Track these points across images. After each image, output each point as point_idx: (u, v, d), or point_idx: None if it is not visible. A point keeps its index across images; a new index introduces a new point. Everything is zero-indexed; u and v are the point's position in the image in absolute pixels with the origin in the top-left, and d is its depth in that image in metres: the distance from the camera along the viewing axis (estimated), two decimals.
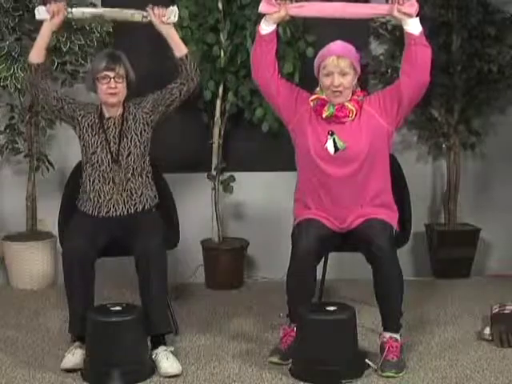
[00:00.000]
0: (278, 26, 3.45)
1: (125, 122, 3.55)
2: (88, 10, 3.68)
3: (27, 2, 4.38)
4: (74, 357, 3.31)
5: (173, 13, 3.53)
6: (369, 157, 3.38)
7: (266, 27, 3.39)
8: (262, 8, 3.40)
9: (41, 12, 3.51)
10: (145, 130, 3.59)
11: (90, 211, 3.56)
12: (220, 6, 4.40)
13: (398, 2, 3.28)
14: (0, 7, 4.35)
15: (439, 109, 4.79)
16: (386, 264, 3.27)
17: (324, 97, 3.39)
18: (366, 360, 3.29)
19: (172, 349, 3.39)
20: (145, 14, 3.54)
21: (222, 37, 4.43)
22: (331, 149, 3.38)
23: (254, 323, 3.93)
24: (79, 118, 3.58)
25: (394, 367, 3.24)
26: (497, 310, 3.71)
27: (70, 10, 3.54)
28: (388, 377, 3.21)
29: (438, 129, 4.81)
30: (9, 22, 4.36)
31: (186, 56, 3.60)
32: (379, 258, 3.26)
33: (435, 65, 4.68)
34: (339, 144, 3.37)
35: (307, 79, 4.51)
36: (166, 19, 3.53)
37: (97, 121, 3.56)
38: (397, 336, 3.35)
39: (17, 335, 3.77)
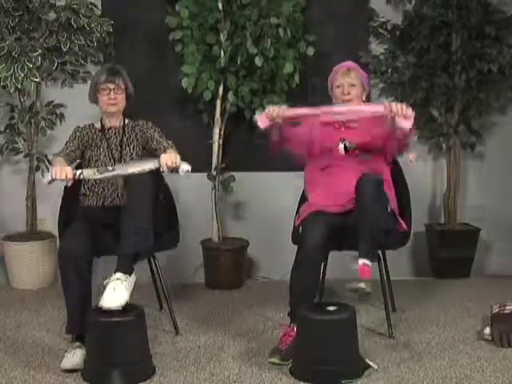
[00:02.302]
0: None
1: (126, 133, 3.70)
2: (99, 176, 3.37)
3: (27, 2, 4.38)
4: (74, 357, 3.31)
5: (184, 170, 3.38)
6: (374, 158, 3.62)
7: (274, 131, 3.60)
8: (260, 125, 3.54)
9: (46, 177, 3.39)
10: (146, 142, 3.70)
11: (95, 203, 3.63)
12: (220, 6, 4.40)
13: (396, 111, 3.32)
14: (0, 7, 4.35)
15: (439, 109, 4.79)
16: (369, 196, 3.34)
17: None
18: (366, 360, 3.29)
19: (131, 279, 3.27)
20: (157, 165, 3.36)
21: (222, 37, 4.43)
22: (342, 151, 3.64)
23: (254, 323, 3.93)
24: (86, 145, 3.68)
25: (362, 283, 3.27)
26: (497, 310, 3.71)
27: (78, 173, 3.33)
28: (356, 290, 3.25)
29: (438, 129, 4.81)
30: (9, 22, 4.37)
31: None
32: (364, 191, 3.35)
33: (435, 64, 4.72)
34: (349, 146, 3.64)
35: (307, 79, 4.53)
36: (175, 170, 3.39)
37: (99, 133, 3.70)
38: (368, 263, 3.34)
39: (17, 335, 3.77)
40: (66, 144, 3.66)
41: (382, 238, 3.40)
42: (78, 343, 3.37)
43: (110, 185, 3.63)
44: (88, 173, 3.34)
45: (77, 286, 3.36)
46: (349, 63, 3.77)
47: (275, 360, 3.35)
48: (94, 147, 3.68)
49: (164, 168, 3.34)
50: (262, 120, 3.51)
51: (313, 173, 3.71)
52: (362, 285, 3.25)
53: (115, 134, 3.71)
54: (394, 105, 3.32)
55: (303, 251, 3.38)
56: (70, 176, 3.31)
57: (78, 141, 3.67)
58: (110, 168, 3.37)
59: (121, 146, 3.67)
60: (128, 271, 3.27)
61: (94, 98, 3.72)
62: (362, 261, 3.35)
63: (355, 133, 3.66)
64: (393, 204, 3.62)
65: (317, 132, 3.72)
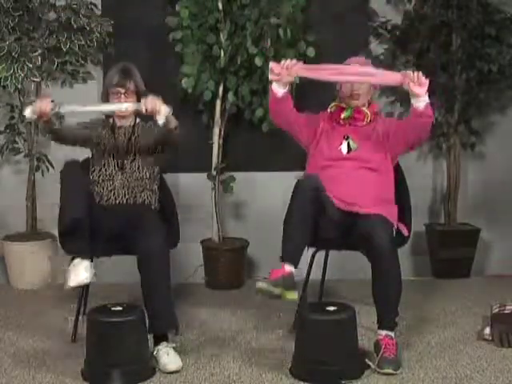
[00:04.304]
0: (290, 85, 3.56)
1: (134, 133, 3.71)
2: (79, 109, 3.47)
3: (27, 2, 4.38)
4: (78, 272, 3.30)
5: (166, 112, 3.38)
6: (378, 160, 3.57)
7: (279, 89, 3.52)
8: (271, 76, 3.48)
9: (27, 113, 3.38)
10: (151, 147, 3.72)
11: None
12: (220, 5, 4.40)
13: (411, 77, 3.34)
14: (0, 7, 4.35)
15: (439, 109, 4.79)
16: (386, 262, 3.29)
17: (342, 105, 3.65)
18: (366, 360, 3.29)
19: (174, 345, 3.40)
20: (138, 107, 3.46)
21: (222, 37, 4.43)
22: (344, 150, 3.60)
23: (254, 323, 3.93)
24: (93, 138, 3.71)
25: (392, 364, 3.25)
26: (497, 310, 3.71)
27: (57, 108, 3.39)
28: (387, 374, 3.21)
29: (438, 129, 4.81)
30: (9, 22, 4.36)
31: (175, 128, 3.55)
32: (379, 255, 3.28)
33: (435, 64, 4.72)
34: (352, 145, 3.58)
35: (307, 79, 4.51)
36: (155, 116, 3.40)
37: (109, 131, 3.71)
38: (392, 334, 3.35)
39: (17, 335, 3.77)
40: (78, 122, 3.70)
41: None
42: (77, 260, 3.35)
43: (108, 183, 3.63)
44: (67, 106, 3.43)
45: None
46: (357, 59, 3.66)
47: (263, 285, 3.27)
48: (101, 144, 3.69)
49: (143, 110, 3.42)
50: (273, 72, 3.45)
51: (313, 171, 3.64)
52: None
53: (124, 133, 3.71)
54: (410, 73, 3.35)
55: (297, 190, 3.39)
56: (48, 107, 3.35)
57: (85, 129, 3.69)
58: (90, 106, 3.56)
59: (127, 147, 3.67)
60: (168, 340, 3.41)
61: (105, 99, 3.73)
62: (384, 332, 3.35)
63: (361, 132, 3.61)
64: (394, 218, 3.58)
65: (322, 132, 3.67)
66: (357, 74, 3.45)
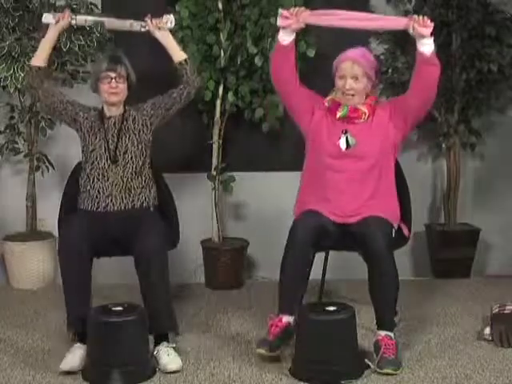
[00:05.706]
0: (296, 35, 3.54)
1: (124, 122, 3.64)
2: (90, 18, 3.86)
3: (27, 2, 4.38)
4: (74, 358, 3.29)
5: (169, 20, 3.71)
6: (377, 157, 3.52)
7: (285, 37, 3.50)
8: (280, 22, 3.49)
9: (47, 17, 3.69)
10: (143, 131, 3.65)
11: (89, 207, 3.59)
12: (220, 5, 4.40)
13: (416, 20, 3.40)
14: (0, 7, 4.35)
15: (439, 109, 4.79)
16: (382, 264, 3.30)
17: (338, 99, 3.57)
18: (366, 360, 3.29)
19: (174, 345, 3.40)
20: (143, 23, 3.71)
21: (222, 37, 4.43)
22: (343, 145, 3.52)
23: (253, 323, 3.93)
24: (81, 121, 3.66)
25: (392, 364, 3.25)
26: (497, 310, 3.71)
27: (73, 16, 3.73)
28: (387, 374, 3.21)
29: (438, 129, 4.81)
30: (9, 21, 4.36)
31: (186, 61, 3.70)
32: (376, 257, 3.29)
33: None
34: (351, 141, 3.52)
35: (307, 79, 4.51)
36: (163, 25, 3.69)
37: (98, 121, 3.64)
38: (391, 334, 3.35)
39: (17, 335, 3.77)
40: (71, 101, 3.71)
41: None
42: (78, 344, 3.36)
43: (104, 187, 3.58)
44: (80, 18, 3.78)
45: (78, 284, 3.37)
46: (356, 55, 3.56)
47: (262, 351, 3.33)
48: (91, 134, 3.63)
49: (149, 24, 3.69)
50: (283, 18, 3.48)
51: (310, 174, 3.64)
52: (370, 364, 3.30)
53: (114, 123, 3.64)
54: (415, 16, 3.42)
55: (292, 243, 3.38)
56: (67, 14, 3.67)
57: (80, 109, 3.68)
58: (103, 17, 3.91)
59: (118, 137, 3.61)
60: (168, 341, 3.42)
61: (94, 87, 3.67)
62: (384, 332, 3.35)
63: (360, 128, 3.53)
64: (395, 216, 3.59)
65: (321, 123, 3.59)
66: (364, 19, 3.53)
